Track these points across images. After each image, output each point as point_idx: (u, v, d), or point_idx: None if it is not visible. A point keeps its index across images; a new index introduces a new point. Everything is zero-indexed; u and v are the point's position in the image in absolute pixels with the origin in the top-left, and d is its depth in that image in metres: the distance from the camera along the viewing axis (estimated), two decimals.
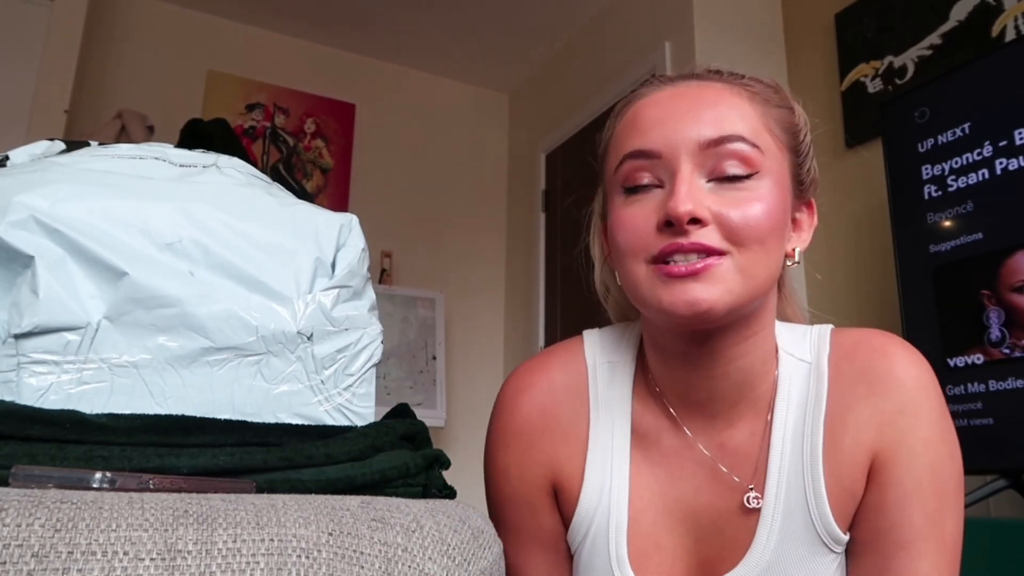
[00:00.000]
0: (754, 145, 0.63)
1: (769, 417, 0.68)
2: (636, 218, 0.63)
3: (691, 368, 0.67)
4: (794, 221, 0.69)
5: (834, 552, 0.65)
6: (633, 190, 0.64)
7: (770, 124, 0.65)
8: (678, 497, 0.69)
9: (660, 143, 0.63)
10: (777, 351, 0.70)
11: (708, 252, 0.60)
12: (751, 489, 0.67)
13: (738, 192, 0.62)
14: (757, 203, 0.61)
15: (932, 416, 0.64)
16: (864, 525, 0.65)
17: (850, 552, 0.66)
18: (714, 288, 0.60)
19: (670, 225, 0.61)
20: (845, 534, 0.65)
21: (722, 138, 0.62)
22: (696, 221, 0.60)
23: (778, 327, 0.71)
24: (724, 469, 0.68)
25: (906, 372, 0.65)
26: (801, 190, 0.69)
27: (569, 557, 0.73)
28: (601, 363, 0.74)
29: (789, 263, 0.69)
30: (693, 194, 0.61)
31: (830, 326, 0.71)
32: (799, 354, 0.69)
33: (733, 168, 0.62)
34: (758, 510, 0.66)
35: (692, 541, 0.69)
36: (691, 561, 0.69)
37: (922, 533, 0.62)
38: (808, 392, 0.68)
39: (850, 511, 0.65)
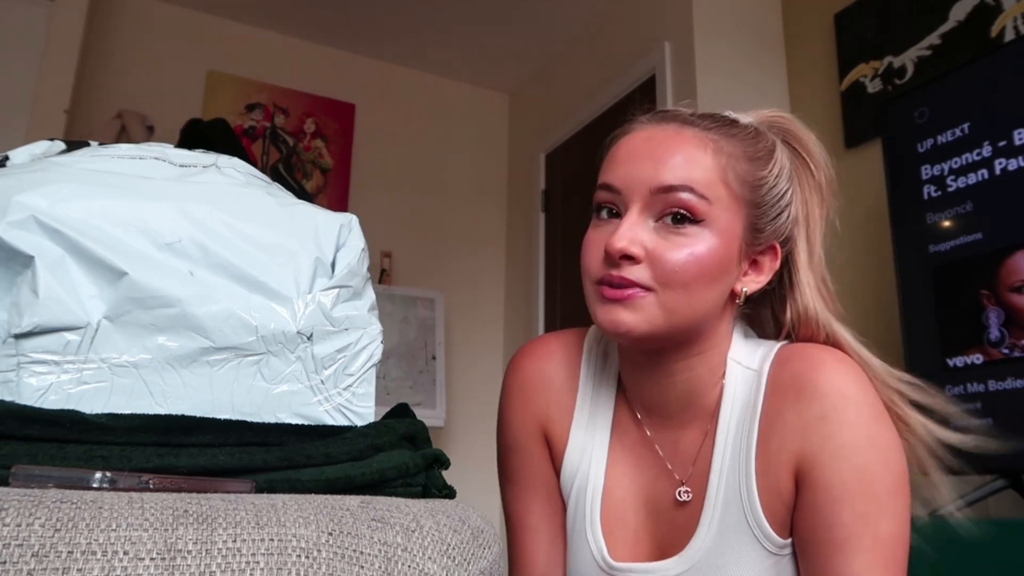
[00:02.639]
0: (701, 196, 0.70)
1: (715, 420, 0.75)
2: (593, 243, 0.73)
3: (645, 375, 0.78)
4: (755, 263, 0.76)
5: (767, 550, 0.70)
6: (599, 216, 0.74)
7: (727, 178, 0.72)
8: (641, 483, 0.79)
9: (622, 181, 0.72)
10: (727, 362, 0.77)
11: (634, 286, 0.69)
12: (683, 483, 0.76)
13: (677, 236, 0.70)
14: (689, 249, 0.69)
15: (858, 423, 0.68)
16: (802, 526, 0.69)
17: (797, 554, 0.71)
18: (635, 316, 0.69)
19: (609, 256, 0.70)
20: (782, 537, 0.70)
21: (672, 187, 0.70)
22: (628, 257, 0.69)
23: (736, 341, 0.78)
24: (669, 466, 0.77)
25: (830, 381, 0.69)
26: (757, 238, 0.75)
27: (564, 513, 0.82)
28: (597, 351, 0.85)
29: (737, 301, 0.76)
30: (631, 233, 0.69)
31: (785, 342, 0.78)
32: (746, 363, 0.76)
33: (677, 214, 0.70)
34: (700, 504, 0.73)
35: (651, 524, 0.78)
36: (649, 541, 0.77)
37: (854, 533, 0.66)
38: (749, 397, 0.74)
39: (780, 510, 0.70)
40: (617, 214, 0.73)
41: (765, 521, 0.70)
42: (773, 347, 0.76)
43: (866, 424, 0.68)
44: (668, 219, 0.70)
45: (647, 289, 0.69)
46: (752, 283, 0.76)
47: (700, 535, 0.72)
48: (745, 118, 0.79)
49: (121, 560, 0.42)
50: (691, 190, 0.70)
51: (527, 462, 0.83)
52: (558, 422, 0.82)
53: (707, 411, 0.76)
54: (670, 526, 0.76)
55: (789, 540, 0.70)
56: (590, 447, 0.80)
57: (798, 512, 0.69)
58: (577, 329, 0.88)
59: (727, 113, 0.78)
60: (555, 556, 0.81)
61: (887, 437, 0.69)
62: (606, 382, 0.83)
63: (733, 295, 0.75)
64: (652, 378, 0.77)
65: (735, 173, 0.73)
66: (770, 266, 0.77)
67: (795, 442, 0.69)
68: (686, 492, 0.75)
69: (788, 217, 0.77)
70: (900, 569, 0.66)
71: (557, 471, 0.82)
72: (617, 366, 0.83)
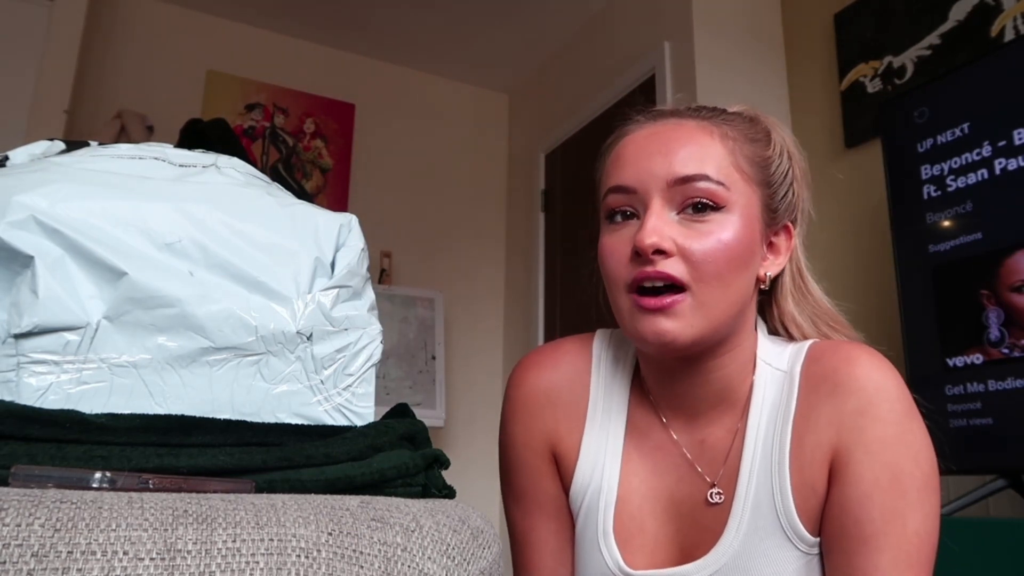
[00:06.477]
0: (719, 183, 0.70)
1: (744, 419, 0.74)
2: (615, 247, 0.72)
3: (674, 377, 0.75)
4: (771, 245, 0.76)
5: (799, 549, 0.69)
6: (614, 221, 0.73)
7: (738, 161, 0.72)
8: (662, 487, 0.76)
9: (635, 180, 0.71)
10: (756, 361, 0.76)
11: (671, 280, 0.68)
12: (714, 485, 0.74)
13: (702, 225, 0.69)
14: (716, 236, 0.69)
15: (892, 418, 0.67)
16: (830, 522, 0.68)
17: (823, 551, 0.69)
18: (677, 323, 0.68)
19: (640, 255, 0.68)
20: (813, 535, 0.69)
21: (689, 177, 0.69)
22: (660, 252, 0.68)
23: (762, 340, 0.77)
24: (699, 468, 0.75)
25: (867, 376, 0.69)
26: (774, 218, 0.75)
27: (572, 527, 0.80)
28: (606, 357, 0.82)
29: (762, 286, 0.75)
30: (659, 228, 0.68)
31: (812, 341, 0.76)
32: (776, 364, 0.75)
33: (698, 204, 0.69)
34: (728, 506, 0.72)
35: (673, 528, 0.75)
36: (671, 546, 0.75)
37: (882, 530, 0.65)
38: (780, 396, 0.73)
39: (814, 507, 0.69)
40: (632, 215, 0.72)
41: (798, 520, 0.68)
42: (802, 346, 0.75)
43: (898, 420, 0.67)
44: (689, 210, 0.69)
45: (683, 288, 0.68)
46: (773, 266, 0.76)
47: (727, 537, 0.70)
48: (732, 108, 0.79)
49: (121, 560, 0.42)
50: (707, 178, 0.69)
51: (533, 481, 0.80)
52: (567, 436, 0.79)
53: (735, 409, 0.75)
54: (694, 529, 0.74)
55: (819, 539, 0.69)
56: (602, 457, 0.77)
57: (827, 507, 0.68)
58: (581, 336, 0.85)
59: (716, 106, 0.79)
60: (560, 569, 0.79)
61: (918, 434, 0.68)
62: (618, 390, 0.80)
63: (757, 282, 0.75)
64: (683, 380, 0.74)
65: (743, 155, 0.73)
66: (786, 246, 0.77)
67: (831, 436, 0.68)
68: (718, 494, 0.73)
69: (794, 195, 0.77)
70: (925, 569, 0.65)
71: (566, 486, 0.79)
72: (628, 372, 0.80)
